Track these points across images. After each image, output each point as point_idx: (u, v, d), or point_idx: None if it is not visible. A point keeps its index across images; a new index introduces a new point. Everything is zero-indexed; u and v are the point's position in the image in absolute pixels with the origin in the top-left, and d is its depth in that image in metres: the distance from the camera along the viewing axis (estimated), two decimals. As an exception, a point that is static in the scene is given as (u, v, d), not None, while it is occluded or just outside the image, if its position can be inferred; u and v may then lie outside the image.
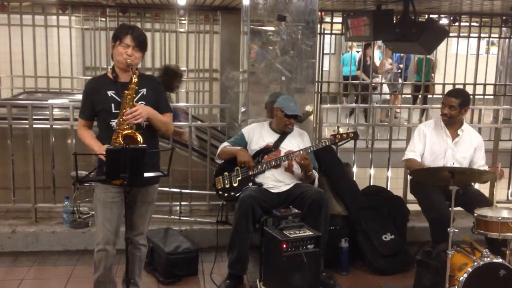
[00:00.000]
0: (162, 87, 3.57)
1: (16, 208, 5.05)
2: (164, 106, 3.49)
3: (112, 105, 3.31)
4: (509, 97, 9.77)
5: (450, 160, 4.34)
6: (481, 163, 4.43)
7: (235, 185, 4.23)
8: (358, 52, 11.16)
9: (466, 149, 4.43)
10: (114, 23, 9.13)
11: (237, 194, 4.15)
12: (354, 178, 5.18)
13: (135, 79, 3.24)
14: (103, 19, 9.22)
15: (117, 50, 3.30)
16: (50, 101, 5.20)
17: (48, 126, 4.90)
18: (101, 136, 3.38)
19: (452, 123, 4.41)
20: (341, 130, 4.13)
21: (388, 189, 5.40)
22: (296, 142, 4.31)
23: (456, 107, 4.31)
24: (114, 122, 3.30)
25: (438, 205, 4.16)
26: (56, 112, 5.17)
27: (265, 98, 4.70)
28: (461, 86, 8.55)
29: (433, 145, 4.44)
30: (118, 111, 3.28)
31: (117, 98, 3.31)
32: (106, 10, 9.05)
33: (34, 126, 4.88)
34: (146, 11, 9.22)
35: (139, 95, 3.33)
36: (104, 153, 3.06)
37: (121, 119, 3.25)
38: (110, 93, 3.33)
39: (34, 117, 4.87)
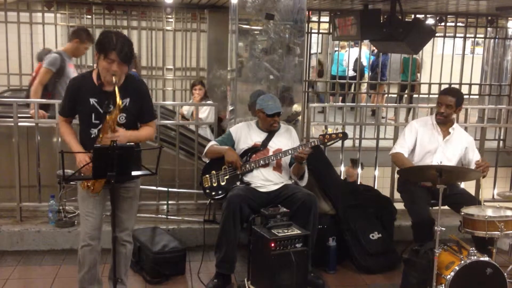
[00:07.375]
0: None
1: (0, 207, 4.99)
2: (148, 115, 3.44)
3: (93, 115, 3.25)
4: (494, 96, 9.85)
5: (440, 157, 4.32)
6: (477, 159, 4.39)
7: (223, 184, 4.21)
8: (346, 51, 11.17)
9: (456, 147, 4.43)
10: (100, 20, 9.06)
11: (225, 193, 4.13)
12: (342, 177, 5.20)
13: (119, 102, 3.13)
14: (89, 16, 9.13)
15: (102, 64, 3.18)
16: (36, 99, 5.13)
17: (34, 124, 4.86)
18: (81, 140, 3.36)
19: (445, 122, 4.42)
20: (330, 130, 4.12)
21: (375, 188, 5.42)
22: (284, 139, 4.30)
23: (453, 105, 4.30)
24: (93, 131, 3.27)
25: (419, 208, 4.17)
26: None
27: (253, 97, 4.68)
28: (446, 86, 8.61)
29: (423, 141, 4.43)
30: (98, 121, 3.24)
31: (98, 108, 3.24)
32: (92, 8, 8.97)
33: (19, 124, 4.83)
34: (132, 9, 9.15)
35: (121, 106, 3.26)
36: (87, 153, 3.08)
37: (100, 139, 3.22)
38: (92, 100, 3.25)
39: (19, 115, 4.81)
